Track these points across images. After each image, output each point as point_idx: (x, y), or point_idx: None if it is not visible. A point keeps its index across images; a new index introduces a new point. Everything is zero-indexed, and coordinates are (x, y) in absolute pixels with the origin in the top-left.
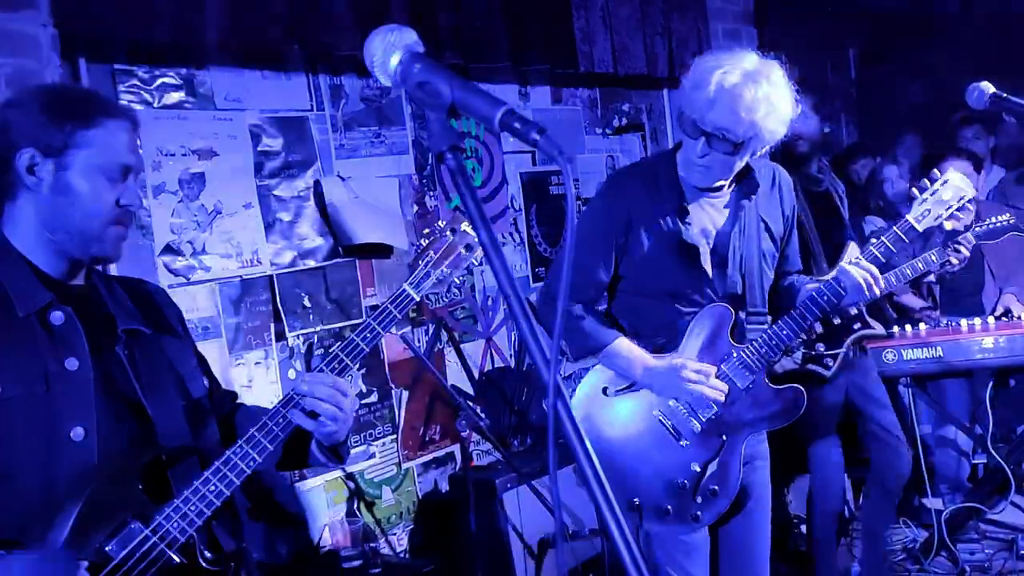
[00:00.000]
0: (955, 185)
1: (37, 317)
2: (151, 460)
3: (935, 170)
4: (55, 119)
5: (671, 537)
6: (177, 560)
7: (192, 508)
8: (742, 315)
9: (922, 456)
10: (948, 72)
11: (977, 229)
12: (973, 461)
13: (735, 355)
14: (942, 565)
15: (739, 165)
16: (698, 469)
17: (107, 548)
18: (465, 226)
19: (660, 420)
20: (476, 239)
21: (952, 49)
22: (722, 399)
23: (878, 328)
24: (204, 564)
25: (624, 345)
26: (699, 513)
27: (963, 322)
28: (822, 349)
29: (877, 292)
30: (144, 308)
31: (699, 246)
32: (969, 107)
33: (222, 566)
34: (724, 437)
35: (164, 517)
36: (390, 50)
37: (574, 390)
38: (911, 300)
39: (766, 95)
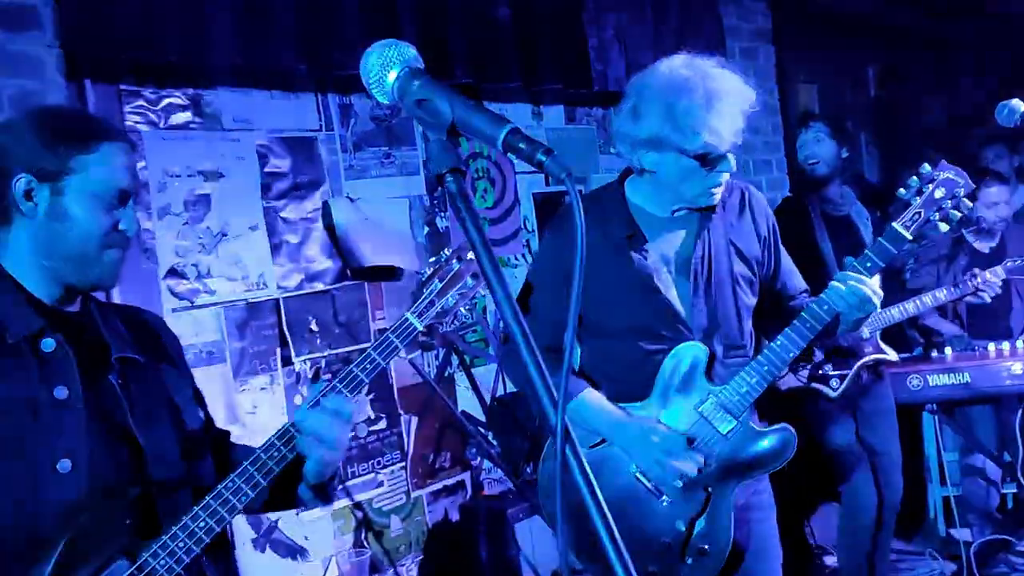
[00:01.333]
0: (948, 180)
1: (27, 344)
2: (141, 493)
3: (925, 164)
4: (51, 144)
5: None
6: None
7: (180, 545)
8: (719, 350)
9: (949, 485)
10: (968, 90)
11: (1009, 264)
12: (1002, 491)
13: (712, 398)
14: None
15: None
16: (683, 528)
17: None
18: (472, 254)
19: (638, 477)
20: None
21: (971, 67)
22: (693, 473)
23: (890, 354)
24: None
25: (587, 401)
26: None
27: (991, 347)
28: (829, 369)
29: (877, 305)
30: (140, 336)
31: (657, 274)
32: (993, 125)
33: None
34: (710, 490)
35: (151, 554)
36: (387, 66)
37: None
38: (938, 323)
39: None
